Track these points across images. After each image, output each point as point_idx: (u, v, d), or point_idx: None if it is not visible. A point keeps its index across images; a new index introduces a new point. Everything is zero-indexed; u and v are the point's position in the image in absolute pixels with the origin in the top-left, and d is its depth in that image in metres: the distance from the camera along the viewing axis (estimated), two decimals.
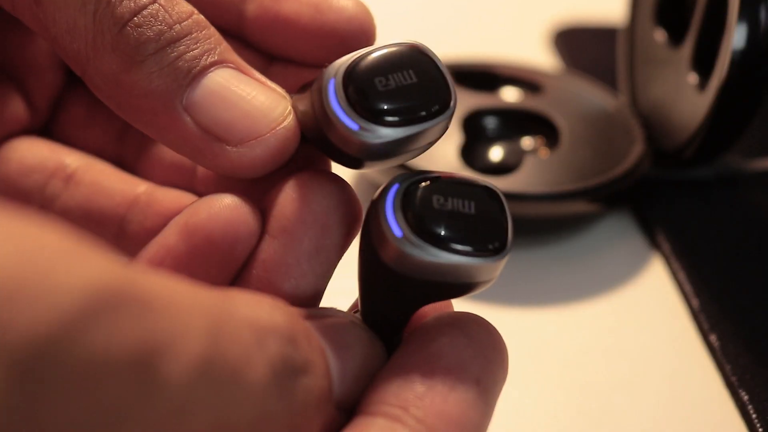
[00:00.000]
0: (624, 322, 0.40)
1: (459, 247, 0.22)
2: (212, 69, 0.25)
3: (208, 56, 0.25)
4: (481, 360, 0.23)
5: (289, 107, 0.25)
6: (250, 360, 0.19)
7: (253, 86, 0.25)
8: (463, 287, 0.23)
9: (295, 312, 0.22)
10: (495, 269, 0.23)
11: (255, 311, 0.20)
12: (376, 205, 0.23)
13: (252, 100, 0.25)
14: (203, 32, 0.25)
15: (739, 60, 0.40)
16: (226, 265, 0.24)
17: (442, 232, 0.22)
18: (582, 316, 0.40)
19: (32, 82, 0.31)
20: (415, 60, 0.24)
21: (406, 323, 0.24)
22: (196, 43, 0.24)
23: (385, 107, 0.23)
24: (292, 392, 0.20)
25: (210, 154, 0.24)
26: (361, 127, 0.23)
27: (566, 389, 0.36)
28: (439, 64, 0.25)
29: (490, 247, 0.23)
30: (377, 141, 0.23)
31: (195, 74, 0.24)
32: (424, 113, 0.24)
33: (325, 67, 0.24)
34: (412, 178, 0.23)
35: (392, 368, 0.22)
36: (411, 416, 0.21)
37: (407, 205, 0.22)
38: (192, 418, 0.18)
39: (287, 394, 0.20)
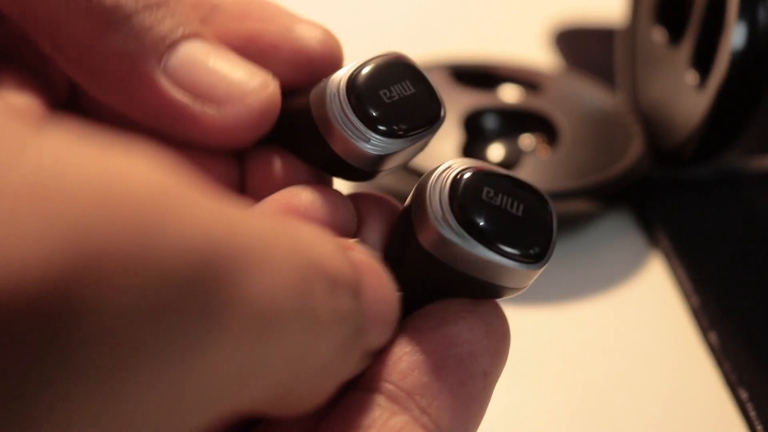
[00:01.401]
0: (623, 320, 0.40)
1: (497, 244, 0.22)
2: (190, 39, 0.24)
3: (185, 28, 0.24)
4: (492, 353, 0.22)
5: (271, 76, 0.25)
6: (326, 310, 0.18)
7: (232, 57, 0.25)
8: (492, 288, 0.23)
9: (354, 261, 0.21)
10: (527, 277, 0.23)
11: (328, 257, 0.19)
12: (424, 184, 0.22)
13: (233, 65, 0.24)
14: (181, 8, 0.24)
15: (738, 59, 0.40)
16: None
17: (484, 226, 0.22)
18: (581, 315, 0.40)
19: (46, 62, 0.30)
20: (405, 70, 0.25)
21: (414, 311, 0.23)
22: (173, 14, 0.24)
23: (392, 119, 0.23)
24: (353, 348, 0.20)
25: (189, 118, 0.24)
26: (371, 141, 0.23)
27: (566, 387, 0.36)
28: (423, 73, 0.25)
29: (529, 253, 0.22)
30: (386, 152, 0.23)
31: (173, 41, 0.24)
32: (423, 122, 0.24)
33: (320, 81, 0.24)
34: (465, 163, 0.23)
35: (404, 344, 0.22)
36: (415, 404, 0.21)
37: (456, 190, 0.22)
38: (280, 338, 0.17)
39: (350, 348, 0.19)
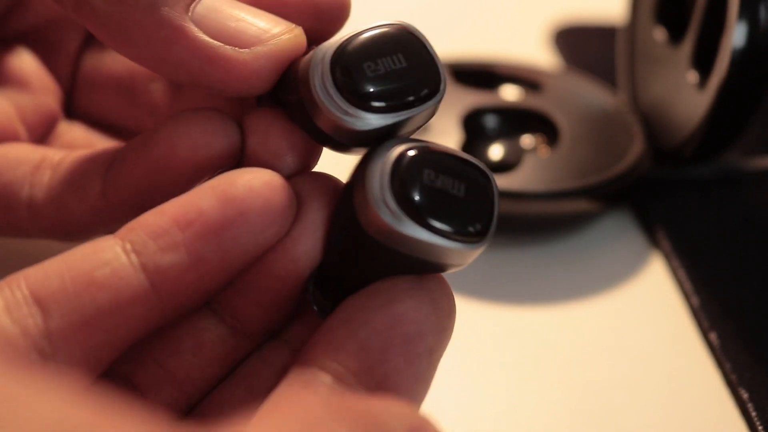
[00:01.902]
0: (623, 320, 0.40)
1: (437, 226, 0.22)
2: None
3: None
4: (438, 331, 0.22)
5: (293, 24, 0.25)
6: None
7: (253, 8, 0.25)
8: (433, 266, 0.23)
9: None
10: (469, 256, 0.23)
11: None
12: (365, 164, 0.22)
13: (257, 13, 0.25)
14: None
15: (739, 58, 0.40)
16: (253, 245, 0.23)
17: (424, 208, 0.22)
18: (581, 314, 0.40)
19: (53, 54, 0.31)
20: (404, 42, 0.24)
21: (358, 290, 0.23)
22: None
23: (373, 93, 0.23)
24: None
25: (221, 61, 0.24)
26: (347, 113, 0.23)
27: (565, 387, 0.36)
28: (428, 45, 0.25)
29: (470, 232, 0.22)
30: (364, 128, 0.23)
31: None
32: (412, 98, 0.23)
33: (313, 49, 0.24)
34: (407, 144, 0.22)
35: (351, 324, 0.22)
36: (362, 384, 0.21)
37: (396, 173, 0.22)
38: None
39: None
